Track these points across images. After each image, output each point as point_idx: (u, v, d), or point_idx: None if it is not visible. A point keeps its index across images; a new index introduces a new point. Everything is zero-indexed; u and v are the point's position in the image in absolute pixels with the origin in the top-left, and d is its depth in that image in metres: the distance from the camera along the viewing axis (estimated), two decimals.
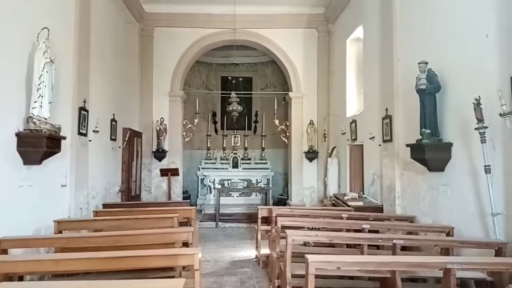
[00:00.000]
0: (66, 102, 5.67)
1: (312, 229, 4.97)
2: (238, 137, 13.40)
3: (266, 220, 6.71)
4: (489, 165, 3.74)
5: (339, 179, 9.12)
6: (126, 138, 8.66)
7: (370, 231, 4.53)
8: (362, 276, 4.01)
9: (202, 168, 12.43)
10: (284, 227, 4.70)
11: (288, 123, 11.07)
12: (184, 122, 10.90)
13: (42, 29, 4.61)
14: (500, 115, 3.54)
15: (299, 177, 10.53)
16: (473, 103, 3.84)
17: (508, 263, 3.10)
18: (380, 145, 6.57)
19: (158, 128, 10.00)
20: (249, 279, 5.39)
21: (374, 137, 6.91)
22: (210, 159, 12.97)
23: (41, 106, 4.48)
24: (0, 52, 4.12)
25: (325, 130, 10.22)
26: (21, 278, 3.57)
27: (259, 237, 6.31)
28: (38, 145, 4.49)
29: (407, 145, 5.18)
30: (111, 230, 4.53)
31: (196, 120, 11.27)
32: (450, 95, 4.63)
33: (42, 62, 4.48)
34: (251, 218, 9.73)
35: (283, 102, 11.91)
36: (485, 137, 3.76)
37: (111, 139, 7.83)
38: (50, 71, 4.63)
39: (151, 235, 4.05)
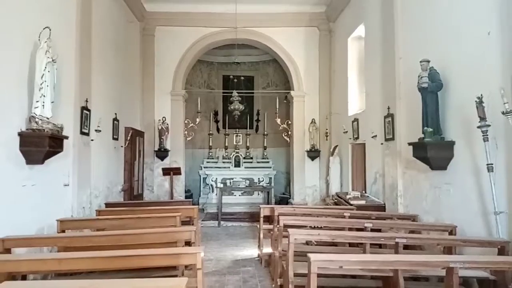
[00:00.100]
0: (68, 101, 5.68)
1: (314, 228, 4.96)
2: (240, 136, 13.39)
3: (268, 219, 6.71)
4: (492, 164, 3.73)
5: (341, 178, 9.11)
6: (128, 138, 8.68)
7: (372, 230, 4.52)
8: (365, 275, 4.01)
9: (204, 167, 12.44)
10: (286, 226, 4.70)
11: (290, 122, 11.07)
12: (186, 121, 10.91)
13: (44, 28, 4.61)
14: (503, 113, 3.53)
15: (301, 176, 10.53)
16: (475, 101, 3.83)
17: (511, 261, 3.10)
18: (382, 143, 6.56)
19: (160, 127, 10.01)
20: (252, 278, 5.39)
21: (376, 135, 6.89)
22: (212, 158, 12.98)
23: (43, 105, 4.50)
24: (1, 52, 4.13)
25: (327, 129, 10.21)
26: (24, 277, 3.58)
27: (261, 236, 6.31)
28: (40, 144, 4.50)
29: (409, 144, 5.17)
30: (113, 229, 4.55)
31: (198, 119, 11.29)
32: (452, 93, 4.62)
33: (44, 62, 4.49)
34: (253, 217, 9.73)
35: (285, 101, 11.89)
36: (487, 135, 3.75)
37: (113, 138, 7.84)
38: (52, 70, 4.64)
39: (154, 234, 4.06)
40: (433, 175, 4.98)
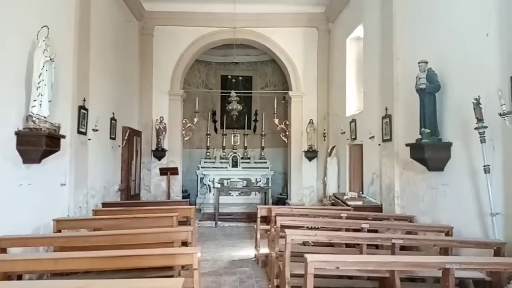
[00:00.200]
0: (65, 100, 5.67)
1: (311, 228, 4.97)
2: (237, 136, 13.39)
3: (266, 220, 6.72)
4: (489, 165, 3.74)
5: (338, 179, 9.12)
6: (126, 137, 8.66)
7: (369, 231, 4.53)
8: (361, 275, 4.01)
9: (201, 167, 12.43)
10: (283, 227, 4.70)
11: (287, 122, 11.07)
12: (183, 121, 10.90)
13: (42, 27, 4.59)
14: (500, 115, 3.54)
15: (298, 176, 10.54)
16: (473, 102, 3.84)
17: (506, 263, 3.10)
18: (379, 144, 6.57)
19: (157, 127, 10.00)
20: (248, 279, 5.39)
21: (373, 136, 6.90)
22: (210, 158, 12.96)
23: (40, 104, 4.47)
24: None
25: (324, 130, 10.22)
26: (20, 277, 3.56)
27: (258, 236, 6.30)
28: (37, 143, 4.48)
29: (407, 145, 5.18)
30: (110, 229, 4.54)
31: (195, 119, 11.28)
32: (450, 94, 4.63)
33: (41, 61, 4.47)
34: (250, 217, 9.72)
35: (283, 101, 11.90)
36: (484, 137, 3.76)
37: (111, 138, 7.83)
38: (50, 69, 4.63)
39: (150, 234, 4.06)
40: (430, 176, 4.99)
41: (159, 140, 10.02)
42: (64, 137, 5.15)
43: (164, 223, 4.79)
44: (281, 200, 11.92)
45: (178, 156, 10.50)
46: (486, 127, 3.76)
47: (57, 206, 5.43)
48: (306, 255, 3.01)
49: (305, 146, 10.43)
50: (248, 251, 6.83)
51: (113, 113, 7.95)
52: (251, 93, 13.22)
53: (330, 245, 4.96)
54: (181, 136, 10.70)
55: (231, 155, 12.62)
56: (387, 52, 6.30)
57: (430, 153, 4.66)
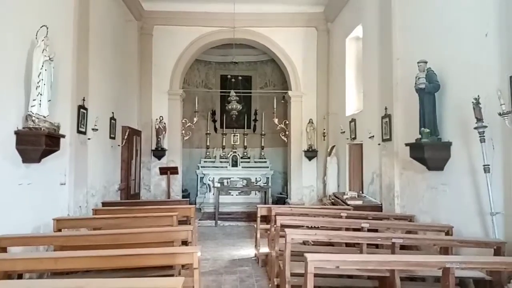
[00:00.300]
0: (65, 100, 5.66)
1: (311, 228, 4.97)
2: (237, 135, 13.38)
3: (266, 219, 6.73)
4: (488, 165, 3.74)
5: (338, 178, 9.12)
6: (125, 137, 8.66)
7: (369, 230, 4.53)
8: (361, 275, 4.01)
9: (201, 167, 12.43)
10: (283, 226, 4.70)
11: (287, 122, 11.07)
12: (183, 121, 10.91)
13: (41, 27, 4.59)
14: (499, 114, 3.55)
15: (298, 176, 10.54)
16: (472, 102, 3.85)
17: (507, 262, 3.11)
18: (379, 144, 6.58)
19: (157, 127, 9.99)
20: (248, 278, 5.39)
21: (373, 136, 6.91)
22: (210, 158, 12.96)
23: (40, 104, 4.47)
24: None
25: (324, 129, 10.22)
26: (20, 276, 3.56)
27: (258, 235, 6.30)
28: (37, 143, 4.48)
29: (406, 144, 5.18)
30: (110, 229, 4.54)
31: (195, 119, 11.28)
32: (450, 94, 4.63)
33: (41, 60, 4.47)
34: (250, 216, 9.72)
35: (283, 101, 11.90)
36: (484, 136, 3.76)
37: (110, 137, 7.82)
38: (49, 69, 4.62)
39: (150, 234, 4.05)
40: (430, 175, 4.99)
41: (158, 139, 10.02)
42: (63, 136, 5.15)
43: (164, 222, 4.78)
44: (281, 200, 11.92)
45: (178, 155, 10.50)
46: (485, 126, 3.76)
47: (57, 206, 5.42)
48: (306, 255, 3.01)
49: (304, 146, 10.44)
50: (248, 250, 6.83)
51: (113, 112, 7.94)
52: (250, 92, 13.22)
53: (330, 244, 4.96)
54: (180, 135, 10.71)
55: (231, 155, 12.62)
56: (387, 52, 6.30)
57: (430, 152, 4.66)
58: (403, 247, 4.40)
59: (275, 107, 11.45)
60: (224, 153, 13.03)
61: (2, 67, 4.17)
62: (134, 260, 3.17)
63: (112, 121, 7.89)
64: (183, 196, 10.67)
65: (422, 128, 4.65)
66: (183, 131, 10.85)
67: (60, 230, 4.62)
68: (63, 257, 3.14)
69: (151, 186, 10.13)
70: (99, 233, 4.34)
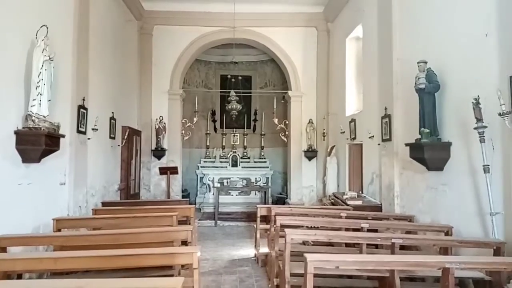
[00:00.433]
0: (65, 100, 5.66)
1: (311, 228, 4.97)
2: (237, 135, 13.37)
3: (265, 219, 6.73)
4: (488, 165, 3.75)
5: (338, 178, 9.12)
6: (125, 137, 8.66)
7: (369, 230, 4.53)
8: (361, 275, 4.01)
9: (201, 167, 12.42)
10: (283, 226, 4.70)
11: (287, 122, 11.07)
12: (183, 121, 10.91)
13: (41, 26, 4.59)
14: (499, 114, 3.55)
15: (298, 176, 10.54)
16: (472, 102, 3.85)
17: (506, 262, 3.11)
18: (379, 144, 6.58)
19: (157, 127, 9.99)
20: (248, 278, 5.39)
21: (373, 136, 6.91)
22: (209, 158, 12.96)
23: (40, 104, 4.48)
24: None
25: (324, 129, 10.21)
26: (19, 276, 3.56)
27: (258, 236, 6.30)
28: (37, 143, 4.48)
29: (406, 144, 5.18)
30: (110, 229, 4.54)
31: (195, 119, 11.28)
32: (449, 94, 4.63)
33: (41, 60, 4.47)
34: (250, 216, 9.72)
35: (282, 101, 11.90)
36: (484, 136, 3.76)
37: (110, 137, 7.82)
38: (49, 69, 4.62)
39: (150, 234, 4.05)
40: (429, 176, 4.99)
41: (158, 139, 10.02)
42: (63, 136, 5.15)
43: (164, 222, 4.78)
44: (280, 200, 11.91)
45: (178, 155, 10.50)
46: (485, 127, 3.76)
47: (57, 205, 5.42)
48: (306, 255, 3.01)
49: (304, 146, 10.44)
50: (248, 251, 6.83)
51: (113, 112, 7.94)
52: (250, 92, 13.21)
53: (330, 244, 4.96)
54: (180, 135, 10.70)
55: (230, 155, 12.61)
56: (386, 52, 6.30)
57: (430, 152, 4.66)
58: (402, 247, 4.40)
59: (275, 107, 11.45)
60: (224, 153, 13.02)
61: (2, 67, 4.17)
62: (133, 260, 3.17)
63: (112, 121, 7.89)
64: (183, 196, 10.67)
65: (422, 128, 4.65)
66: (183, 131, 10.85)
67: (59, 230, 4.62)
68: (62, 257, 3.14)
69: (151, 186, 10.13)
70: (98, 233, 4.34)
